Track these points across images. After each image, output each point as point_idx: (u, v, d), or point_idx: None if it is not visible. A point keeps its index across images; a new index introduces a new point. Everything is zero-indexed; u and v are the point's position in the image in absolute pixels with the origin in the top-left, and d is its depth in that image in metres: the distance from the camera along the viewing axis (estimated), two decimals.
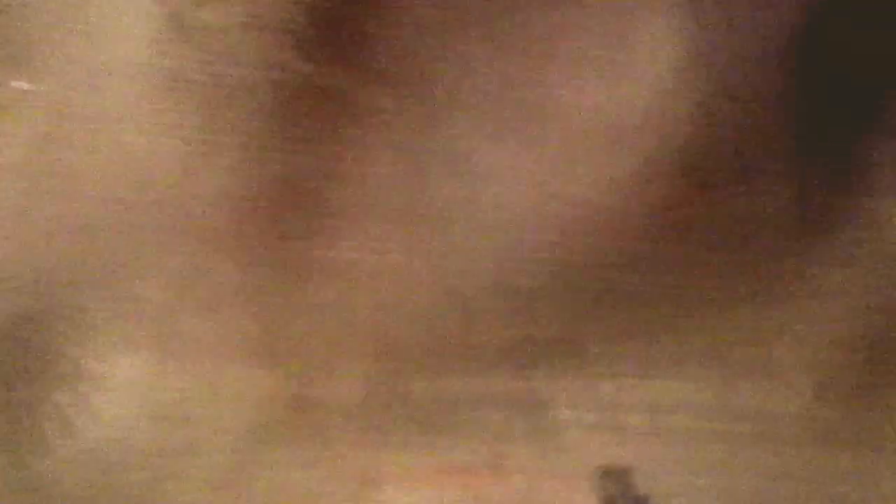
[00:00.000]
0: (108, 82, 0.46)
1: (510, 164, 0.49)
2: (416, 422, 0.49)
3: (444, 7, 0.48)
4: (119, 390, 0.47)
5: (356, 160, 0.48)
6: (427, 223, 0.48)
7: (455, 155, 0.48)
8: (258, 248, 0.46)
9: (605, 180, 0.49)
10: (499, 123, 0.48)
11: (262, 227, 0.47)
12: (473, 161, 0.48)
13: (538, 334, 0.49)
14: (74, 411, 0.47)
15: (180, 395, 0.48)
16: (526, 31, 0.48)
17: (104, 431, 0.47)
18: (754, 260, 0.51)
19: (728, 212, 0.51)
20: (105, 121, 0.46)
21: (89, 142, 0.46)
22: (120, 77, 0.46)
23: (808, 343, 0.52)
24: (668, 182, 0.50)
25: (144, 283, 0.47)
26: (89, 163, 0.46)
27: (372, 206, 0.48)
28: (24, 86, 0.45)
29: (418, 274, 0.48)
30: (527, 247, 0.48)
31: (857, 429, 0.53)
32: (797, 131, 0.51)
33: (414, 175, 0.48)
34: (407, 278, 0.48)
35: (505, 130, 0.48)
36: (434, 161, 0.48)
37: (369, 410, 0.49)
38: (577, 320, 0.49)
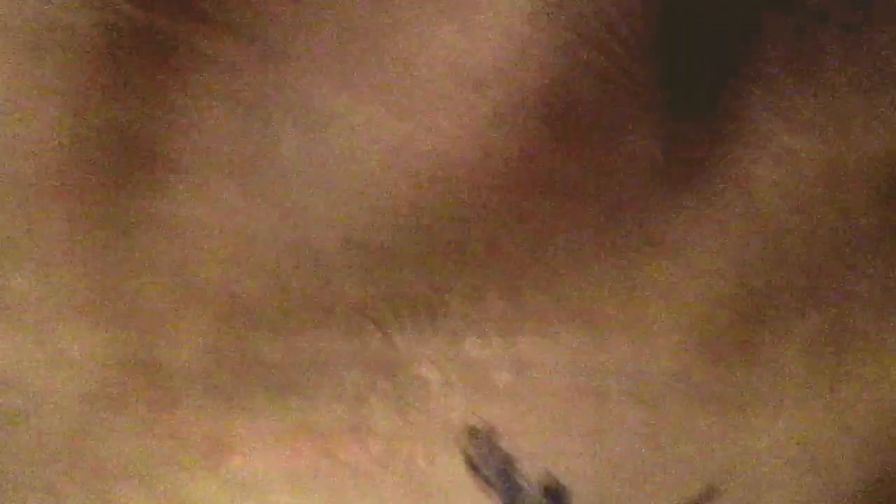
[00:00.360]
0: None
1: (358, 113, 0.46)
2: (268, 385, 0.46)
3: None
4: None
5: (192, 109, 0.45)
6: (271, 176, 0.45)
7: (298, 104, 0.45)
8: (90, 203, 0.43)
9: (460, 131, 0.47)
10: (343, 71, 0.45)
11: (94, 180, 0.44)
12: (317, 110, 0.45)
13: (396, 291, 0.47)
14: None
15: (10, 357, 0.44)
16: None
17: None
18: (622, 213, 0.48)
19: (593, 164, 0.48)
20: None
21: None
22: None
23: (680, 299, 0.50)
24: (529, 133, 0.47)
25: None
26: None
27: (210, 157, 0.45)
28: None
29: (264, 229, 0.45)
30: (380, 200, 0.45)
31: (730, 387, 0.51)
32: (664, 82, 0.48)
33: (254, 125, 0.45)
34: (252, 234, 0.45)
35: (350, 78, 0.45)
36: (275, 110, 0.45)
37: (216, 373, 0.46)
38: (437, 276, 0.47)
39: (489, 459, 0.48)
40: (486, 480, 0.48)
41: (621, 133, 0.49)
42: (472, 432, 0.48)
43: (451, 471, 0.48)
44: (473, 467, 0.48)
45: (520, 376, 0.49)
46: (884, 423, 0.52)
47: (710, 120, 0.50)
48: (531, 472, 0.48)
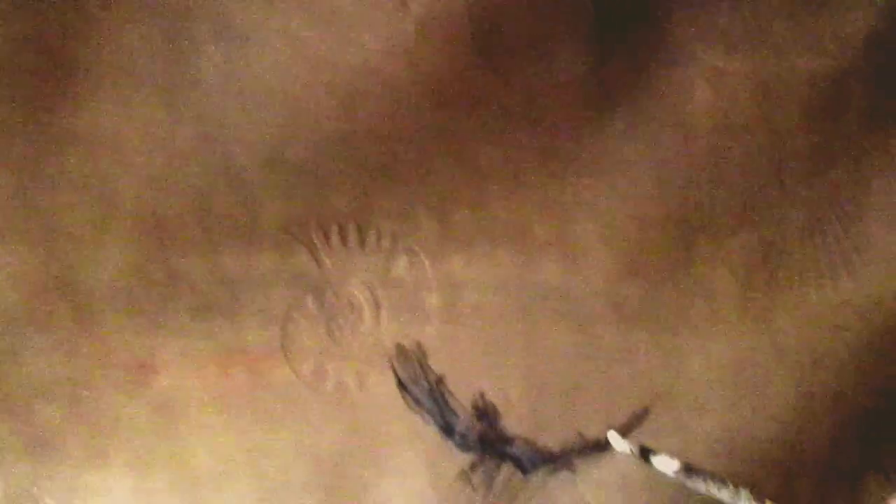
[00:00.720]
0: None
1: (279, 28, 0.45)
2: (192, 305, 0.46)
3: None
4: None
5: (112, 22, 0.44)
6: (193, 91, 0.45)
7: (219, 18, 0.44)
8: (5, 117, 0.42)
9: (385, 46, 0.46)
10: None
11: (9, 93, 0.43)
12: (239, 25, 0.44)
13: (323, 210, 0.46)
14: None
15: None
16: None
17: None
18: (552, 132, 0.48)
19: (522, 83, 0.48)
20: None
21: None
22: None
23: (611, 220, 0.50)
24: (455, 51, 0.47)
25: None
26: None
27: (132, 72, 0.44)
28: None
29: (186, 145, 0.44)
30: (305, 117, 0.45)
31: (662, 309, 0.51)
32: (593, 2, 0.48)
33: (176, 39, 0.44)
34: (173, 150, 0.44)
35: None
36: (197, 24, 0.44)
37: (139, 293, 0.45)
38: (364, 195, 0.46)
39: (419, 380, 0.47)
40: (417, 401, 0.47)
41: (551, 52, 0.49)
42: (403, 353, 0.47)
43: (380, 391, 0.48)
44: (404, 388, 0.48)
45: (450, 297, 0.48)
46: (815, 345, 0.52)
47: (640, 41, 0.50)
48: (461, 392, 0.48)
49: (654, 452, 0.47)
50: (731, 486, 0.42)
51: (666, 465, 0.45)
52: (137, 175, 0.46)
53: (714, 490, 0.43)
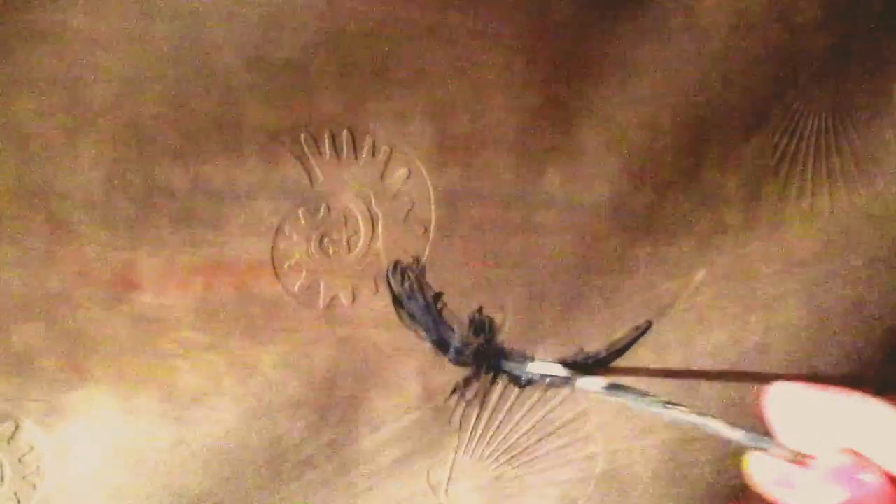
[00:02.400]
0: None
1: None
2: (174, 216, 0.44)
3: None
4: None
5: None
6: None
7: None
8: None
9: None
10: None
11: None
12: None
13: (312, 116, 0.44)
14: None
15: None
16: None
17: None
18: (554, 35, 0.45)
19: None
20: None
21: None
22: None
23: (617, 126, 0.47)
24: None
25: None
26: None
27: None
28: None
29: (162, 45, 0.41)
30: (292, 14, 0.41)
31: (667, 219, 0.48)
32: None
33: None
34: (149, 48, 0.41)
35: None
36: None
37: (117, 203, 0.43)
38: (356, 99, 0.43)
39: (415, 294, 0.45)
40: (412, 316, 0.46)
41: None
42: (397, 266, 0.45)
43: (374, 307, 0.46)
44: (398, 303, 0.45)
45: (448, 209, 0.46)
46: (828, 257, 0.50)
47: None
48: (458, 306, 0.46)
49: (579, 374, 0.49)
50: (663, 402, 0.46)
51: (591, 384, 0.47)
52: (111, 77, 0.43)
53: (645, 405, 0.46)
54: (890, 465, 0.39)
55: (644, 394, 0.46)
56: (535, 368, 0.49)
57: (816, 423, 0.41)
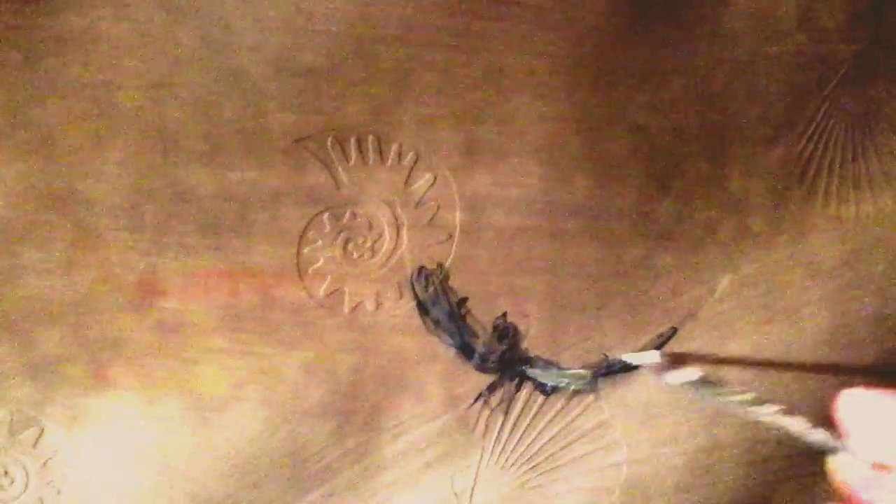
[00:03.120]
0: None
1: None
2: (200, 222, 0.43)
3: None
4: None
5: None
6: None
7: None
8: None
9: None
10: None
11: None
12: None
13: (338, 122, 0.44)
14: None
15: None
16: None
17: None
18: (581, 41, 0.45)
19: None
20: None
21: None
22: None
23: (644, 131, 0.47)
24: None
25: None
26: None
27: None
28: None
29: (188, 50, 0.41)
30: (319, 20, 0.41)
31: (693, 225, 0.48)
32: None
33: None
34: (175, 55, 0.40)
35: None
36: None
37: (143, 209, 0.42)
38: (382, 105, 0.43)
39: (439, 301, 0.45)
40: (436, 322, 0.45)
41: None
42: (422, 272, 0.44)
43: (398, 313, 0.46)
44: (423, 309, 0.45)
45: (474, 216, 0.46)
46: (853, 265, 0.49)
47: None
48: (482, 312, 0.45)
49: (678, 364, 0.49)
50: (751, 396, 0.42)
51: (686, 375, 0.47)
52: (136, 82, 0.43)
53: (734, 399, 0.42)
54: None
55: (732, 391, 0.46)
56: (628, 366, 0.49)
57: (892, 432, 0.40)
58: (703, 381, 0.45)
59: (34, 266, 0.46)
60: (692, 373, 0.46)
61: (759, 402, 0.45)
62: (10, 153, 0.44)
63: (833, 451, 0.43)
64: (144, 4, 0.44)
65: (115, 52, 0.45)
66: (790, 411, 0.44)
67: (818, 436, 0.43)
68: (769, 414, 0.45)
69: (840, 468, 0.42)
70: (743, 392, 0.45)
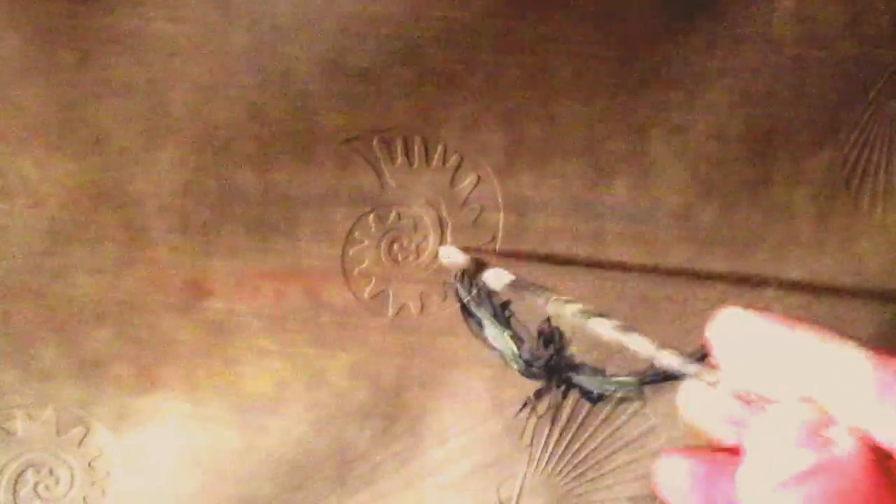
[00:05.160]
0: None
1: None
2: (247, 223, 0.44)
3: None
4: None
5: None
6: None
7: None
8: (44, 15, 0.39)
9: None
10: None
11: None
12: None
13: (385, 123, 0.44)
14: None
15: None
16: None
17: None
18: (624, 42, 0.45)
19: None
20: None
21: None
22: None
23: (688, 135, 0.47)
24: None
25: None
26: None
27: None
28: None
29: (240, 51, 0.41)
30: (366, 20, 0.42)
31: (736, 230, 0.48)
32: None
33: None
34: (227, 56, 0.41)
35: None
36: None
37: (192, 209, 0.43)
38: (428, 106, 0.44)
39: (484, 303, 0.45)
40: (480, 325, 0.45)
41: None
42: (467, 275, 0.45)
43: (443, 315, 0.46)
44: (467, 312, 0.45)
45: (518, 217, 0.46)
46: None
47: None
48: (527, 316, 0.45)
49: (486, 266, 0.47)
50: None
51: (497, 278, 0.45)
52: (188, 82, 0.43)
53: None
54: (863, 424, 0.28)
55: (549, 292, 0.43)
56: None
57: (772, 363, 0.30)
58: (522, 285, 0.43)
59: (83, 265, 0.47)
60: (503, 275, 0.44)
61: (592, 314, 0.40)
62: (63, 153, 0.45)
63: (683, 377, 0.35)
64: (197, 5, 0.45)
65: (167, 53, 0.45)
66: (631, 328, 0.38)
67: (668, 358, 0.36)
68: (606, 329, 0.38)
69: (697, 399, 0.34)
70: (569, 300, 0.41)
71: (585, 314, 0.41)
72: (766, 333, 0.31)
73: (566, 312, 0.42)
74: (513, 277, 0.45)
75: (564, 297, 0.43)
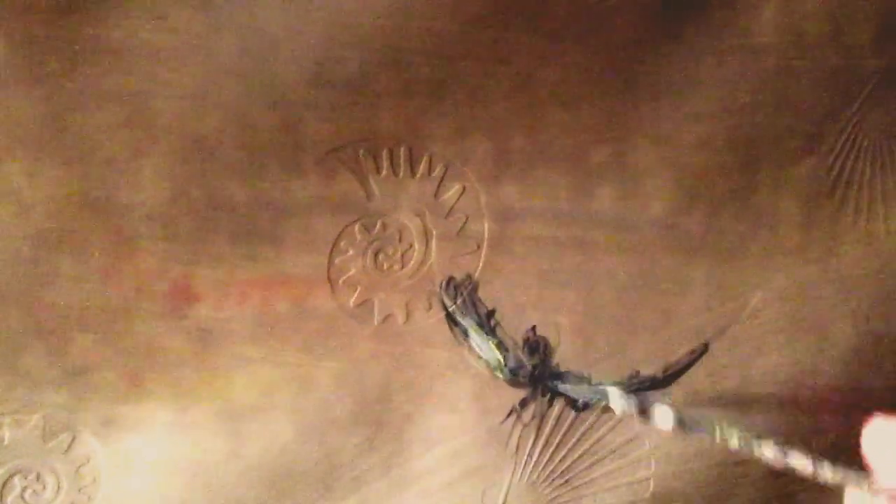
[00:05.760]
0: None
1: None
2: (234, 231, 0.44)
3: None
4: None
5: None
6: (234, 2, 0.41)
7: None
8: (31, 23, 0.39)
9: None
10: None
11: (37, 1, 0.39)
12: None
13: (371, 133, 0.44)
14: None
15: None
16: None
17: None
18: (610, 52, 0.45)
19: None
20: None
21: None
22: None
23: (672, 144, 0.47)
24: None
25: None
26: None
27: None
28: None
29: (226, 62, 0.41)
30: (352, 30, 0.42)
31: (722, 238, 0.48)
32: None
33: None
34: (213, 65, 0.41)
35: None
36: None
37: (178, 218, 0.43)
38: (414, 116, 0.44)
39: (469, 312, 0.45)
40: (466, 334, 0.45)
41: None
42: (451, 283, 0.45)
43: (428, 324, 0.46)
44: (453, 321, 0.45)
45: (503, 227, 0.46)
46: (882, 281, 0.49)
47: None
48: (512, 325, 0.46)
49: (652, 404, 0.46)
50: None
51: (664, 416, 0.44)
52: (175, 91, 0.44)
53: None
54: None
55: (722, 428, 0.45)
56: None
57: None
58: (690, 421, 0.45)
59: (70, 273, 0.47)
60: (668, 413, 0.45)
61: (751, 439, 0.43)
62: (50, 161, 0.45)
63: (853, 485, 0.40)
64: (184, 15, 0.45)
65: (153, 62, 0.45)
66: (789, 446, 0.42)
67: (829, 471, 0.40)
68: (769, 453, 0.42)
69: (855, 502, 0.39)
70: (731, 428, 0.44)
71: (747, 438, 0.44)
72: None
73: (733, 438, 0.44)
74: (680, 415, 0.45)
75: (726, 423, 0.44)
